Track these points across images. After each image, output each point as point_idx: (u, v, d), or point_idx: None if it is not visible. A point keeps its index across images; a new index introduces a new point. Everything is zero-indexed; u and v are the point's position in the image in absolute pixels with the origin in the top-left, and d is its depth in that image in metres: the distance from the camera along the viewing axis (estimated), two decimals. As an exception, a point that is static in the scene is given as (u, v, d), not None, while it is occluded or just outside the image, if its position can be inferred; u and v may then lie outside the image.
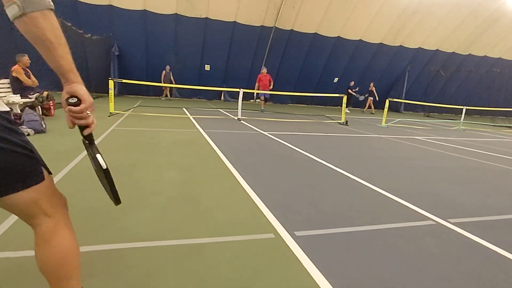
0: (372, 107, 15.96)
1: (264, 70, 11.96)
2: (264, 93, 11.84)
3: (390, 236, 2.24)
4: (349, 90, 15.83)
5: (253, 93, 11.96)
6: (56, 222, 1.03)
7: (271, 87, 11.84)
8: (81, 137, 1.00)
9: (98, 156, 0.99)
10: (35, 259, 1.04)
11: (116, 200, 1.07)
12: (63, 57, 0.86)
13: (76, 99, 0.91)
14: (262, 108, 12.18)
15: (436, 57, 18.59)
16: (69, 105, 0.90)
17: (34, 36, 0.82)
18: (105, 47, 13.33)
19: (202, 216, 2.33)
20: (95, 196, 2.54)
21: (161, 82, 13.62)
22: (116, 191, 1.05)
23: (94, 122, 0.96)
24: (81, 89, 0.91)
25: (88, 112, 0.93)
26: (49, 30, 0.83)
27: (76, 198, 2.48)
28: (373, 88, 15.72)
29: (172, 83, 14.00)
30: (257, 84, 11.88)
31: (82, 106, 0.91)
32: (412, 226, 2.44)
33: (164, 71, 14.33)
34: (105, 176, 1.00)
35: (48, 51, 0.84)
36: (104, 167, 0.98)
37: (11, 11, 0.80)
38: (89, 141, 1.00)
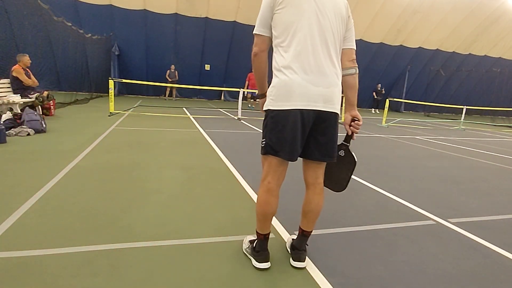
0: None
1: None
2: (252, 92, 12.45)
3: (390, 236, 2.24)
4: (374, 93, 16.64)
5: (252, 92, 12.53)
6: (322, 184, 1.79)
7: None
8: (345, 142, 1.75)
9: (352, 152, 1.72)
10: (308, 204, 1.74)
11: (344, 188, 1.79)
12: (356, 97, 1.71)
13: (357, 119, 1.71)
14: (253, 106, 13.05)
15: (436, 57, 18.58)
16: (353, 121, 1.72)
17: (352, 84, 1.69)
18: (105, 47, 13.31)
19: (202, 215, 2.34)
20: (96, 195, 2.54)
21: (162, 82, 13.61)
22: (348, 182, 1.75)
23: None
24: (358, 114, 1.72)
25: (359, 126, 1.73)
26: (356, 83, 1.70)
27: (76, 197, 2.49)
28: None
29: (174, 83, 14.00)
30: (247, 82, 12.42)
31: (360, 123, 1.71)
32: (412, 226, 2.44)
33: (168, 71, 14.37)
34: (353, 168, 1.72)
35: (354, 92, 1.70)
36: (356, 160, 1.71)
37: (352, 71, 1.67)
38: (348, 143, 1.75)
